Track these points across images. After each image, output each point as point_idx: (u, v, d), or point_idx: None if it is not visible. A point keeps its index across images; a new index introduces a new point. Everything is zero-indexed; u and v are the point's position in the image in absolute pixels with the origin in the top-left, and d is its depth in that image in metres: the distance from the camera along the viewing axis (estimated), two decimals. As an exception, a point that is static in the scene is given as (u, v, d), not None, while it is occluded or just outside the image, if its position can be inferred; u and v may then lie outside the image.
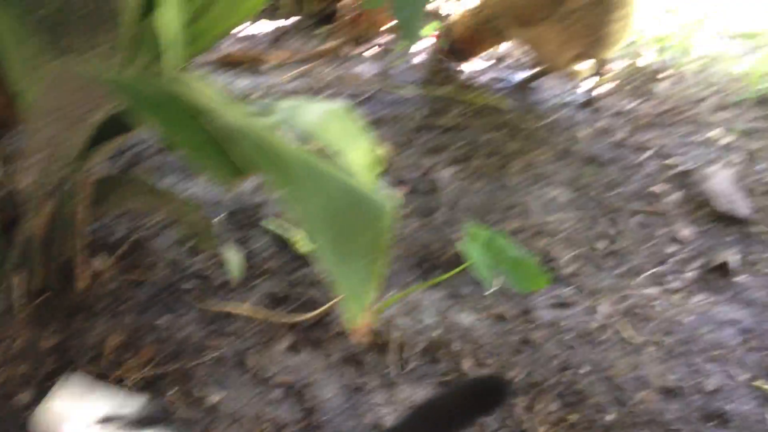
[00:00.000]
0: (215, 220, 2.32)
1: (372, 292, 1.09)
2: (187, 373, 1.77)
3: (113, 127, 1.58)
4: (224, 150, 1.28)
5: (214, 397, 1.71)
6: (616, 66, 3.45)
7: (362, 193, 1.20)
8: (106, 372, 1.75)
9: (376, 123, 3.00)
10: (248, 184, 2.59)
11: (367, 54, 3.72)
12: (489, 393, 1.44)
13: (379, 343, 1.91)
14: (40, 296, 1.89)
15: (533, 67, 3.37)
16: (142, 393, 1.71)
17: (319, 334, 1.93)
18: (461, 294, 2.11)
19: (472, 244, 1.79)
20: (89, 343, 1.81)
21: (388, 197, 1.21)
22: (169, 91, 1.25)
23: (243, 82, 3.36)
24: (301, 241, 2.27)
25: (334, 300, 1.99)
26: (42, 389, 1.68)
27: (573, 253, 2.28)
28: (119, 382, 1.72)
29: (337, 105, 1.73)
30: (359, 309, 1.06)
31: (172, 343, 1.85)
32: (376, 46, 3.77)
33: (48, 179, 1.57)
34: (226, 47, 3.61)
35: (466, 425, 1.48)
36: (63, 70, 1.34)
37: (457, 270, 1.98)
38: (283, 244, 2.30)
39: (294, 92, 3.28)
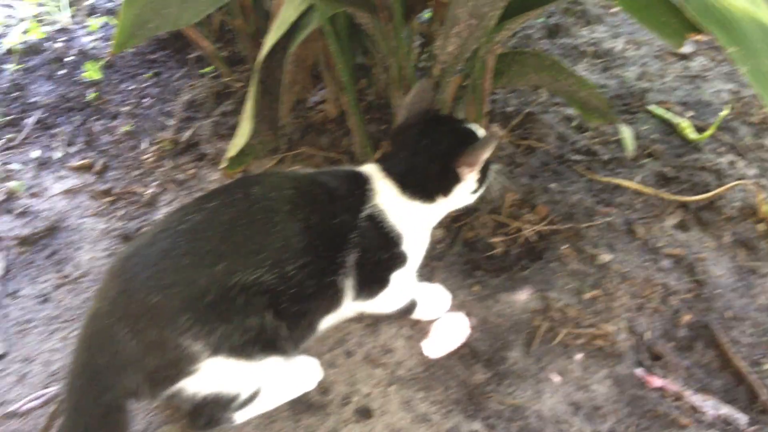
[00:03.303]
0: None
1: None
2: (579, 233, 1.88)
3: (521, 4, 1.68)
4: (671, 11, 1.31)
5: (605, 257, 1.80)
6: None
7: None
8: (506, 221, 1.92)
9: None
10: (634, 70, 2.59)
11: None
12: None
13: (774, 232, 1.86)
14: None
15: None
16: (539, 245, 1.87)
17: (709, 215, 1.92)
18: None
19: None
20: (489, 197, 1.99)
21: None
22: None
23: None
24: (689, 128, 2.24)
25: (729, 185, 1.95)
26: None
27: None
28: (518, 232, 1.89)
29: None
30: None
31: (563, 205, 1.96)
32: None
33: (464, 49, 1.70)
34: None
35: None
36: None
37: None
38: (669, 129, 2.29)
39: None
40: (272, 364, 1.34)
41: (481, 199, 1.92)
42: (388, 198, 1.43)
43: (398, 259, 1.47)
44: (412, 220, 1.46)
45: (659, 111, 2.35)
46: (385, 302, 1.54)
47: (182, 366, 1.24)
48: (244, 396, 1.39)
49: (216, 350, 1.24)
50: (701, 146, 2.17)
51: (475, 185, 1.49)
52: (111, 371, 1.24)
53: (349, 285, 1.42)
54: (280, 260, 1.28)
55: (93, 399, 1.24)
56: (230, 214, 1.29)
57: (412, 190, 1.44)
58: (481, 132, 1.49)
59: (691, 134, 2.22)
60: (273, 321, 1.29)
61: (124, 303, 1.21)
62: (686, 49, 2.70)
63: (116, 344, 1.21)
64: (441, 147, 1.44)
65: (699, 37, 2.81)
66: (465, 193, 1.50)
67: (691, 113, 2.35)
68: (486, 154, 1.40)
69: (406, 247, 1.46)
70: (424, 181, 1.45)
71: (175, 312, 1.20)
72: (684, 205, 1.95)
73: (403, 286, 1.54)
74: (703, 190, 1.98)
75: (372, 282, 1.46)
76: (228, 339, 1.24)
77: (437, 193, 1.46)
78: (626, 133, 2.00)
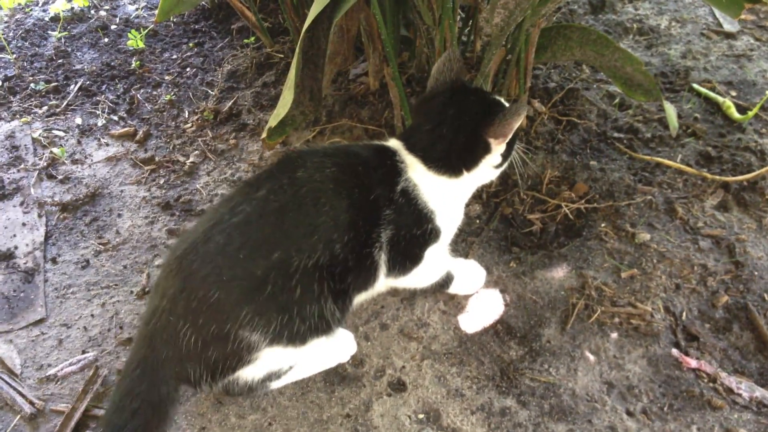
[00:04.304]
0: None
1: None
2: (618, 211, 1.87)
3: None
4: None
5: (644, 236, 1.79)
6: None
7: None
8: (544, 198, 1.91)
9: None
10: (679, 48, 2.54)
11: None
12: None
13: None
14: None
15: None
16: (577, 222, 1.86)
17: (751, 196, 1.90)
18: None
19: None
20: (529, 173, 1.99)
21: None
22: None
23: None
24: (733, 108, 2.20)
25: (771, 166, 1.93)
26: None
27: None
28: (557, 209, 1.88)
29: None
30: None
31: (603, 183, 1.95)
32: None
33: (510, 21, 1.68)
34: None
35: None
36: None
37: None
38: (712, 108, 2.25)
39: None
40: (318, 342, 1.37)
41: (520, 176, 1.94)
42: (418, 173, 1.41)
43: (432, 235, 1.46)
44: (444, 196, 1.44)
45: (703, 90, 2.31)
46: (418, 278, 1.55)
47: (242, 357, 1.28)
48: (285, 369, 1.43)
49: (275, 340, 1.28)
50: (744, 126, 2.13)
51: (499, 159, 1.44)
52: (171, 365, 1.28)
53: (383, 259, 1.42)
54: (330, 240, 1.29)
55: (148, 388, 1.28)
56: (279, 201, 1.30)
57: (437, 165, 1.40)
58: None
59: (735, 114, 2.19)
60: (331, 306, 1.32)
61: (184, 300, 1.24)
62: (732, 27, 2.64)
63: (178, 340, 1.25)
64: (468, 117, 1.39)
65: (745, 16, 2.76)
66: (489, 167, 1.45)
67: (734, 93, 2.31)
68: (517, 124, 1.35)
69: (439, 222, 1.46)
70: (449, 153, 1.40)
71: (235, 306, 1.23)
72: (725, 186, 1.92)
73: (436, 261, 1.55)
74: (746, 170, 1.95)
75: (405, 258, 1.46)
76: (287, 328, 1.27)
77: (462, 167, 1.41)
78: (671, 110, 1.97)
